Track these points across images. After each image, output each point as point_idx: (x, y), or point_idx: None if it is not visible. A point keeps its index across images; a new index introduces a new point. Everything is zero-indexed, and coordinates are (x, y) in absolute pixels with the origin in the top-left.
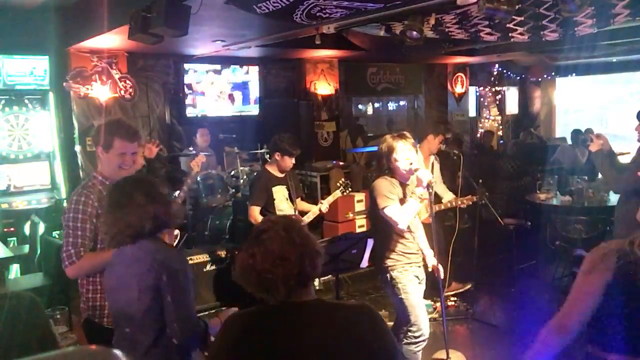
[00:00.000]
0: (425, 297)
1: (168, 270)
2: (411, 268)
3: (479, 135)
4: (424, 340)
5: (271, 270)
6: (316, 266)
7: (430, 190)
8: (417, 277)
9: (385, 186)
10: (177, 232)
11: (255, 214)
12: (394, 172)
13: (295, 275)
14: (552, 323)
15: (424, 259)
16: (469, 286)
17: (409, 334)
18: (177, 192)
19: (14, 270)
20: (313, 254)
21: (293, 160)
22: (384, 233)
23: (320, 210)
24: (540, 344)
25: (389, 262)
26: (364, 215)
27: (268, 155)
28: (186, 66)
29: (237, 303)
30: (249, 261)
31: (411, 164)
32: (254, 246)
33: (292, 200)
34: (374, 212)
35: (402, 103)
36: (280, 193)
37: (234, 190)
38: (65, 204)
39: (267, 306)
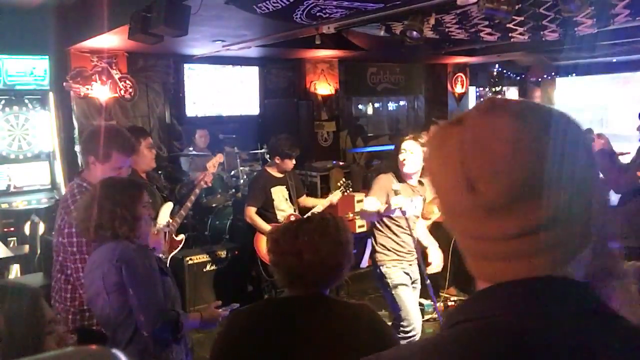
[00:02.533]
0: (426, 297)
1: (126, 262)
2: (401, 264)
3: None
4: (415, 335)
5: (319, 272)
6: None
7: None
8: (407, 274)
9: (378, 180)
10: (182, 236)
11: (251, 214)
12: (400, 169)
13: (330, 279)
14: None
15: (426, 257)
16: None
17: (400, 328)
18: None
19: (14, 270)
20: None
21: (293, 161)
22: (378, 229)
23: (331, 202)
24: None
25: (379, 257)
26: None
27: (268, 156)
28: (186, 66)
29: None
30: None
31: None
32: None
33: (292, 201)
34: None
35: (402, 103)
36: (279, 193)
37: (234, 190)
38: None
39: (269, 301)
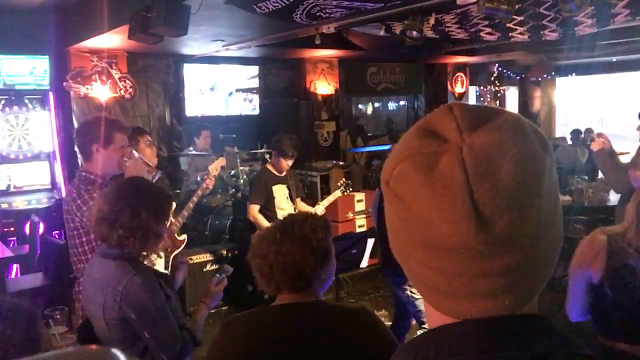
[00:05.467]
0: None
1: (134, 307)
2: None
3: None
4: None
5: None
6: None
7: None
8: None
9: None
10: (184, 236)
11: (254, 212)
12: None
13: (301, 279)
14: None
15: None
16: None
17: (423, 326)
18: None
19: (14, 270)
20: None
21: (289, 163)
22: None
23: (325, 206)
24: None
25: None
26: (364, 215)
27: (268, 155)
28: (186, 66)
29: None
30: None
31: None
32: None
33: (292, 199)
34: (381, 214)
35: (402, 103)
36: (280, 192)
37: (234, 190)
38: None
39: (266, 307)
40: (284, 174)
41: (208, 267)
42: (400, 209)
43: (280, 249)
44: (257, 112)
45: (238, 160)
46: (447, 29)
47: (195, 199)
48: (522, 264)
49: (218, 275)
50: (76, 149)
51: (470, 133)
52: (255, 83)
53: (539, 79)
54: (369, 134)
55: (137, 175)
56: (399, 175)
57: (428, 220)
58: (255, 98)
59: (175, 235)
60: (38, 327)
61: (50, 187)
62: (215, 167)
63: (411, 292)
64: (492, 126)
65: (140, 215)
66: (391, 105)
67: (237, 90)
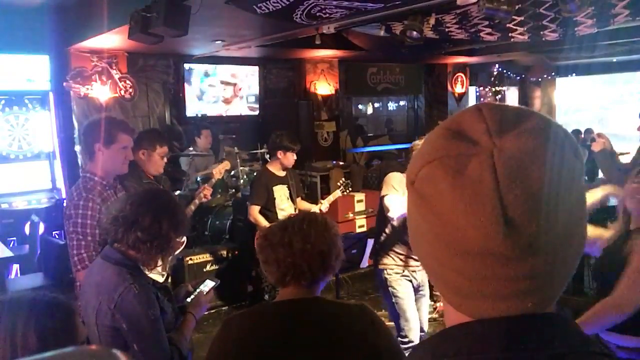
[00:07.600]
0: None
1: (127, 317)
2: (404, 272)
3: None
4: (412, 345)
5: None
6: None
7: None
8: (410, 282)
9: (396, 178)
10: (184, 239)
11: (255, 213)
12: None
13: (321, 269)
14: (611, 303)
15: None
16: None
17: (399, 339)
18: (193, 200)
19: (14, 270)
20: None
21: (295, 156)
22: (386, 232)
23: (320, 210)
24: (596, 318)
25: (382, 260)
26: (364, 215)
27: (268, 156)
28: (186, 66)
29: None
30: (306, 246)
31: None
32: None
33: (292, 200)
34: (380, 206)
35: (402, 103)
36: (281, 192)
37: (234, 190)
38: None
39: (266, 304)
40: (284, 174)
41: (208, 267)
42: (425, 210)
43: (309, 238)
44: (257, 112)
45: (238, 160)
46: (447, 29)
47: (192, 207)
48: (548, 268)
49: (203, 287)
50: (76, 148)
51: (501, 136)
52: (255, 83)
53: (539, 79)
54: (369, 134)
55: (165, 190)
56: (426, 177)
57: (454, 223)
58: (255, 98)
59: None
60: (75, 320)
61: (50, 187)
62: (219, 170)
63: (387, 292)
64: (523, 130)
65: (162, 223)
66: (391, 106)
67: (236, 90)
